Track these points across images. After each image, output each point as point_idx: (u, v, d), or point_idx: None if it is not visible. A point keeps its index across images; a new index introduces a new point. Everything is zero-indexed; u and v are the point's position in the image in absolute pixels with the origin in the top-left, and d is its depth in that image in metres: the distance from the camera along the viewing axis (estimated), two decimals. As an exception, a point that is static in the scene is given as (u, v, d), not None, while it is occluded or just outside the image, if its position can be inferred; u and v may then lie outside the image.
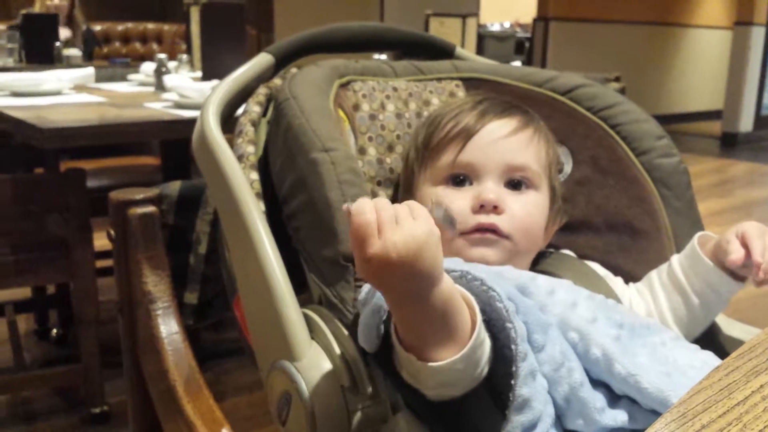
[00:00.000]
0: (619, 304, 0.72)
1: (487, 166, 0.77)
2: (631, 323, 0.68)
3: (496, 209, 0.75)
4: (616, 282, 0.84)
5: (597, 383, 0.64)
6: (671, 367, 0.65)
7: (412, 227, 0.52)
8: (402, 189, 0.85)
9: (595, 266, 0.84)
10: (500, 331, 0.59)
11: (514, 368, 0.57)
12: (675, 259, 0.81)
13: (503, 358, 0.59)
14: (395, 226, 0.52)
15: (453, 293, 0.55)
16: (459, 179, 0.78)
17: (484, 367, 0.58)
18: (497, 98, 0.84)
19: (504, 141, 0.78)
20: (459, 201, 0.76)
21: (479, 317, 0.57)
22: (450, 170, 0.78)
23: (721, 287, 0.77)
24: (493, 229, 0.75)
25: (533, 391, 0.57)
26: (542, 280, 0.69)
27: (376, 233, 0.51)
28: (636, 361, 0.63)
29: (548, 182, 0.81)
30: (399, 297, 0.54)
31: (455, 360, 0.55)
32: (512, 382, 0.56)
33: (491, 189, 0.76)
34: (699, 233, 0.80)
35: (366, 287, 0.62)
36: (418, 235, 0.51)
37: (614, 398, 0.64)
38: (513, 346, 0.57)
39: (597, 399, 0.62)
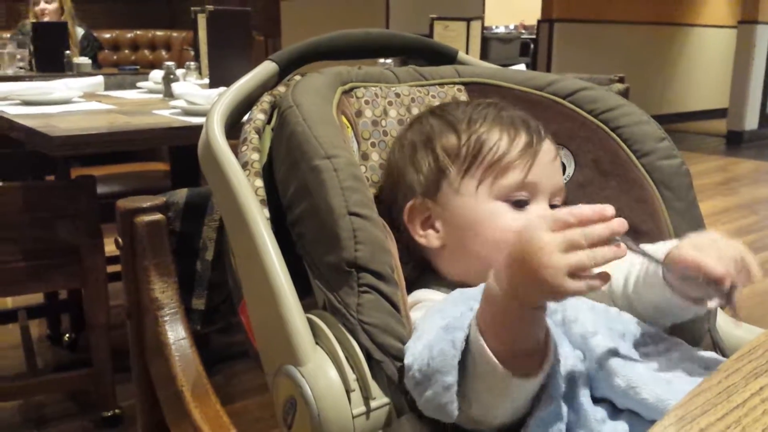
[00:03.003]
0: (621, 313, 0.72)
1: (545, 188, 0.78)
2: (633, 332, 0.69)
3: None
4: None
5: (599, 398, 0.64)
6: (672, 375, 0.65)
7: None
8: (407, 191, 0.81)
9: None
10: None
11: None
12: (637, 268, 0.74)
13: None
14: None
15: None
16: (521, 201, 0.77)
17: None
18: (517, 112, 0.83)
19: (553, 163, 0.80)
20: (519, 223, 0.74)
21: (552, 339, 0.58)
22: (518, 189, 0.77)
23: (670, 309, 0.70)
24: None
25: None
26: None
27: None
28: (636, 372, 0.63)
29: None
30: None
31: (539, 379, 0.57)
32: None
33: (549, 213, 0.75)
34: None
35: (417, 378, 0.61)
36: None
37: (616, 412, 0.64)
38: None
39: (597, 411, 0.63)
